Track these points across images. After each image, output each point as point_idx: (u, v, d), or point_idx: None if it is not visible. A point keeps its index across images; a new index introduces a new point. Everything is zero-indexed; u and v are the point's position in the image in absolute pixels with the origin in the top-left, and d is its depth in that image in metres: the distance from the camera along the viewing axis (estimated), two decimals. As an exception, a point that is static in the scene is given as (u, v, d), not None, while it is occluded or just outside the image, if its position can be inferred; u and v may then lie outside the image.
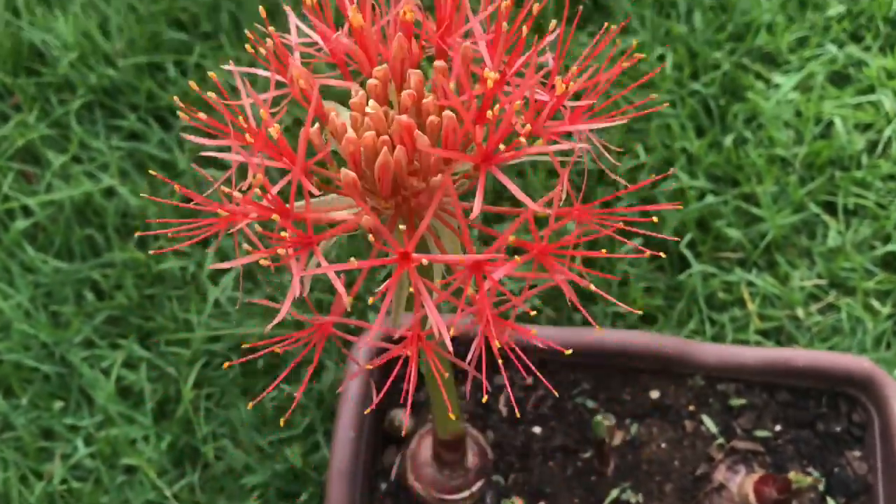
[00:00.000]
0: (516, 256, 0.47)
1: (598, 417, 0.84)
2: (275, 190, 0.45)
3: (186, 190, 0.49)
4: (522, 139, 0.46)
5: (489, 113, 0.46)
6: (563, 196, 0.47)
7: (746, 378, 0.89)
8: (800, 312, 1.02)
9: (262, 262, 0.47)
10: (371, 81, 0.48)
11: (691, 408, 0.89)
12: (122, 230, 1.12)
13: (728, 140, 1.18)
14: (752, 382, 0.90)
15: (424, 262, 0.46)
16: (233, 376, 0.98)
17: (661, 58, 1.29)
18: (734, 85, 1.25)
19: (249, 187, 0.47)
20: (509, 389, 0.90)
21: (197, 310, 1.03)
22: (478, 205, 0.45)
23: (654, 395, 0.90)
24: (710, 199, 1.10)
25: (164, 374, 1.00)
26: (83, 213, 1.12)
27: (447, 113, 0.45)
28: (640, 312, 0.93)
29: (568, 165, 0.47)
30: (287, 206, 0.45)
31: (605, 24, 0.53)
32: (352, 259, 0.44)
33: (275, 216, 0.44)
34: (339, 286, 0.45)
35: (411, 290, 0.46)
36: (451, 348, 0.46)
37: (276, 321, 0.46)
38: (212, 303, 1.04)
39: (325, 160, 0.48)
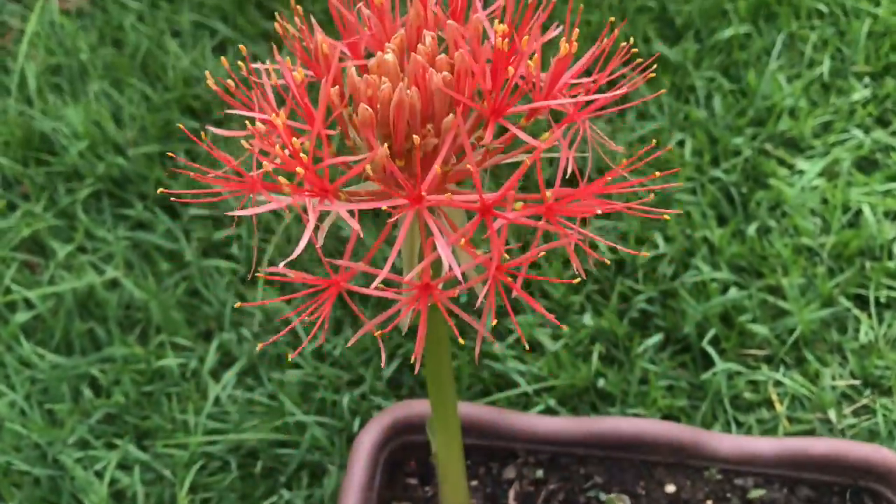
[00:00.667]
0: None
1: (612, 496, 0.82)
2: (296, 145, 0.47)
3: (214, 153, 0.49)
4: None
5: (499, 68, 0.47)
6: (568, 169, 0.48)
7: (764, 470, 0.86)
8: (832, 415, 0.96)
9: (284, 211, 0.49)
10: (389, 46, 0.49)
11: (709, 502, 0.85)
12: (124, 323, 1.09)
13: (751, 229, 1.13)
14: (771, 476, 0.86)
15: (431, 200, 0.45)
16: (230, 481, 0.94)
17: (681, 143, 1.25)
18: (756, 171, 1.21)
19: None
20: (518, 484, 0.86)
21: (196, 409, 0.99)
22: (489, 136, 0.46)
23: (670, 488, 0.86)
24: (733, 292, 1.05)
25: (159, 476, 0.95)
26: (85, 305, 1.09)
27: (459, 53, 0.46)
28: (661, 414, 0.88)
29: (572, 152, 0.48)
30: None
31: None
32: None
33: (297, 168, 0.46)
34: (354, 223, 0.45)
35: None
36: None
37: (293, 255, 0.46)
38: (212, 400, 1.00)
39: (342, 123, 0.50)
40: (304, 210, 0.47)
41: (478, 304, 0.48)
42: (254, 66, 0.55)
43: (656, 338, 1.02)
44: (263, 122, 0.51)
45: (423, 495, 0.86)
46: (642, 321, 1.05)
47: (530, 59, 0.48)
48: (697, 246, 1.12)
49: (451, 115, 0.48)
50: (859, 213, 1.15)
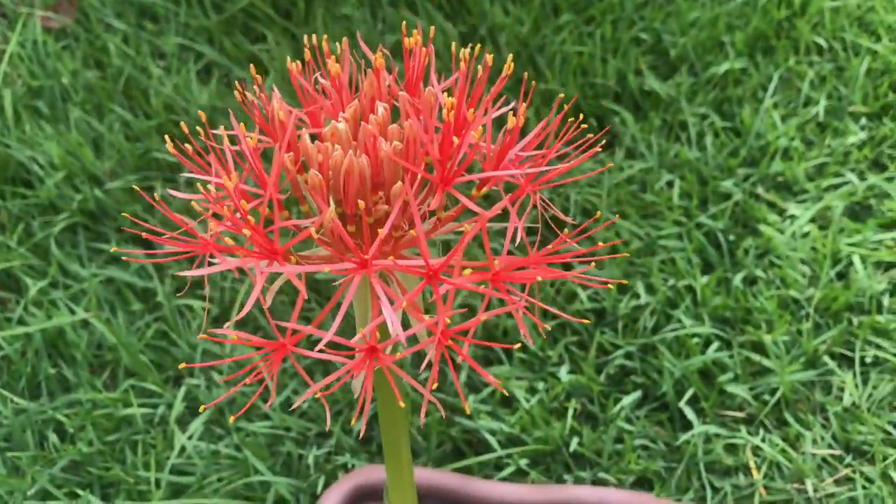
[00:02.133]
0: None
1: None
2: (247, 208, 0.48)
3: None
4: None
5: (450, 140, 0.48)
6: (516, 240, 0.48)
7: None
8: (809, 485, 0.93)
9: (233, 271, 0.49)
10: (342, 115, 0.50)
11: None
12: (94, 363, 1.08)
13: (738, 279, 1.10)
14: None
15: (377, 266, 0.46)
16: (191, 539, 0.92)
17: (670, 184, 1.23)
18: (746, 216, 1.18)
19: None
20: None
21: (159, 461, 0.97)
22: (436, 203, 0.48)
23: None
24: (714, 349, 1.03)
25: (121, 531, 0.94)
26: (55, 345, 1.08)
27: (408, 123, 0.47)
28: (635, 477, 0.86)
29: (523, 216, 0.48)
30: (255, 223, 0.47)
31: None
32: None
33: (245, 230, 0.46)
34: (301, 285, 0.45)
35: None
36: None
37: (234, 320, 0.47)
38: (178, 450, 0.98)
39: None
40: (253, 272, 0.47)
41: (421, 368, 0.48)
42: (213, 131, 0.54)
43: (634, 396, 1.00)
44: (218, 185, 0.51)
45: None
46: (620, 377, 1.03)
47: (482, 130, 0.47)
48: (681, 296, 1.09)
49: (399, 183, 0.47)
50: (850, 263, 1.12)
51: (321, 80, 0.52)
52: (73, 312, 1.09)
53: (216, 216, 0.48)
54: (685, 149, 1.24)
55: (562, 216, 0.49)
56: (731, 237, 1.15)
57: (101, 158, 1.26)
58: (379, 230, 0.47)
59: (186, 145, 0.52)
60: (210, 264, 0.49)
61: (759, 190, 1.21)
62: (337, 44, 0.53)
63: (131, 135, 1.29)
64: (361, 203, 0.46)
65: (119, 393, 1.02)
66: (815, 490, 0.93)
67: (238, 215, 0.47)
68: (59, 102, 1.34)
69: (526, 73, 0.69)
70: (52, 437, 1.00)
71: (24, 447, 0.99)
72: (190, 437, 0.98)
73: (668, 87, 1.31)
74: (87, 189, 1.20)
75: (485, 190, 0.50)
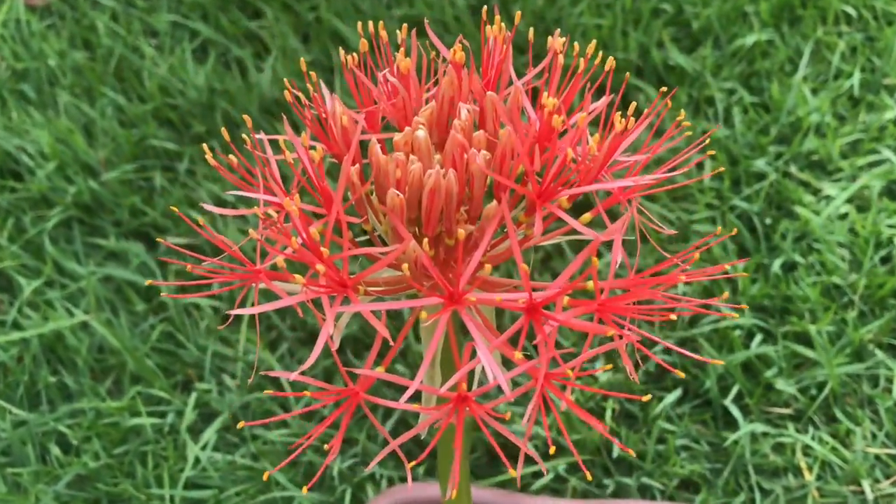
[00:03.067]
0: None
1: None
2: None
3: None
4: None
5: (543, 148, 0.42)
6: (619, 261, 0.42)
7: None
8: (866, 486, 0.88)
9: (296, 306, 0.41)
10: (418, 119, 0.43)
11: None
12: (96, 369, 1.01)
13: (776, 265, 1.04)
14: None
15: (473, 300, 0.39)
16: (210, 559, 0.86)
17: (700, 166, 1.16)
18: (781, 197, 1.12)
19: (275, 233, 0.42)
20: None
21: (172, 474, 0.90)
22: (538, 227, 0.41)
23: None
24: (757, 342, 0.97)
25: (133, 551, 0.88)
26: (53, 350, 1.01)
27: (505, 132, 0.40)
28: (679, 480, 0.81)
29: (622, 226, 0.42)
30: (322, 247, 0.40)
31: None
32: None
33: (307, 259, 0.40)
34: (381, 326, 0.39)
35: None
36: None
37: (306, 365, 0.40)
38: (191, 462, 0.91)
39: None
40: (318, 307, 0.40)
41: (524, 421, 0.41)
42: (258, 136, 0.47)
43: (675, 394, 0.94)
44: (270, 203, 0.43)
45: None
46: (659, 374, 0.97)
47: (582, 138, 0.41)
48: (718, 285, 1.03)
49: (493, 203, 0.40)
50: (893, 246, 1.07)
51: (388, 76, 0.44)
52: (71, 314, 1.02)
53: (269, 241, 0.41)
54: (713, 126, 1.18)
55: (662, 228, 0.42)
56: (767, 220, 1.10)
57: (94, 146, 1.18)
58: (464, 254, 0.41)
59: (230, 157, 0.44)
60: (263, 292, 0.43)
61: (793, 169, 1.15)
62: (397, 31, 0.46)
63: (125, 120, 1.21)
64: (462, 232, 0.39)
65: (125, 401, 0.96)
66: (873, 491, 0.88)
67: (301, 242, 0.40)
68: (47, 86, 1.25)
69: (537, 50, 0.63)
70: (55, 451, 0.93)
71: (25, 462, 0.93)
72: (204, 448, 0.92)
73: (692, 61, 1.24)
74: (81, 180, 1.12)
75: (574, 200, 0.44)
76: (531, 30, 0.46)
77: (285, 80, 0.47)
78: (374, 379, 0.39)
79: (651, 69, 1.24)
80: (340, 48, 0.47)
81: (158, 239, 0.50)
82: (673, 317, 0.41)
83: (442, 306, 0.38)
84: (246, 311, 0.40)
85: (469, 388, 0.40)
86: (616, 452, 0.90)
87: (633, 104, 0.42)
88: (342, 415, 0.40)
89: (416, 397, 0.40)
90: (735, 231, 0.59)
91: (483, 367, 0.39)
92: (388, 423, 0.93)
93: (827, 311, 1.00)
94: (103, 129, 1.19)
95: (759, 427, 0.92)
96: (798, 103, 1.20)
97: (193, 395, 0.96)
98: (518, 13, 0.53)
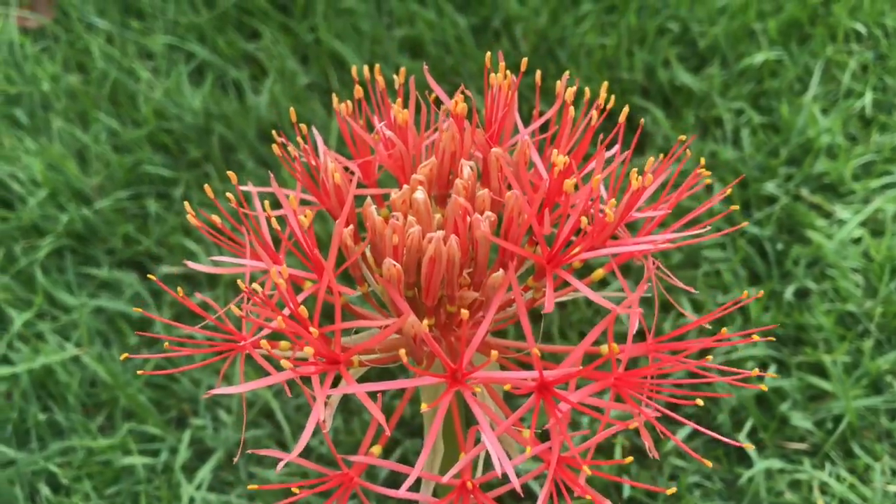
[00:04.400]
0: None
1: None
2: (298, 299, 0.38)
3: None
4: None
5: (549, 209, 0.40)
6: (636, 327, 0.40)
7: None
8: (887, 527, 0.85)
9: (283, 384, 0.40)
10: (416, 177, 0.40)
11: None
12: (87, 403, 0.98)
13: (789, 292, 1.01)
14: None
15: (477, 385, 0.37)
16: None
17: (709, 189, 1.13)
18: (792, 221, 1.09)
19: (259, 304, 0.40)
20: None
21: (166, 517, 0.87)
22: (550, 301, 0.38)
23: None
24: (771, 375, 0.94)
25: None
26: (44, 385, 0.98)
27: (512, 195, 0.38)
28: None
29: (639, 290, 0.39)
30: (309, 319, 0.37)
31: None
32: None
33: (295, 332, 0.37)
34: (376, 410, 0.36)
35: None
36: None
37: (294, 454, 0.38)
38: (186, 503, 0.88)
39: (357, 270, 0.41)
40: (307, 383, 0.38)
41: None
42: (243, 188, 0.44)
43: (686, 430, 0.91)
44: (258, 269, 0.41)
45: None
46: (669, 408, 0.94)
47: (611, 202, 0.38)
48: (730, 315, 1.00)
49: (500, 273, 0.38)
50: (908, 272, 1.04)
51: (382, 128, 0.41)
52: (62, 348, 0.99)
53: (254, 315, 0.38)
54: (722, 148, 1.15)
55: (682, 285, 0.39)
56: (779, 246, 1.06)
57: (87, 173, 1.15)
58: (464, 329, 0.38)
59: (213, 216, 0.41)
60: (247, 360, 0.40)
61: (804, 192, 1.12)
62: (394, 76, 0.43)
63: (120, 145, 1.19)
64: (465, 312, 0.36)
65: (117, 438, 0.93)
66: (893, 532, 0.85)
67: (288, 313, 0.37)
68: (40, 111, 1.23)
69: (541, 70, 0.60)
70: (45, 491, 0.90)
71: (13, 503, 0.89)
72: (198, 487, 0.89)
73: (699, 81, 1.21)
74: (74, 208, 1.10)
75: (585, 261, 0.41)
76: (538, 74, 0.43)
77: (273, 132, 0.45)
78: (365, 465, 0.36)
79: (657, 89, 1.22)
80: (334, 96, 0.44)
81: (150, 276, 0.47)
82: (699, 402, 0.38)
83: (444, 387, 0.35)
84: (230, 391, 0.37)
85: (473, 475, 0.36)
86: (627, 492, 0.86)
87: (650, 160, 0.39)
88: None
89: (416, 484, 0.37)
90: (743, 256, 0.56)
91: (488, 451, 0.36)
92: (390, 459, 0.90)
93: (842, 341, 0.96)
94: (97, 154, 1.16)
95: (775, 463, 0.89)
96: (808, 124, 1.17)
97: (188, 432, 0.92)
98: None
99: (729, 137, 1.18)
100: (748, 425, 0.91)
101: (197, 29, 1.31)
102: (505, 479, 0.35)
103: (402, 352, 0.35)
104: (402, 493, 0.35)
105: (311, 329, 0.35)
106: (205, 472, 0.90)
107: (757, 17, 1.28)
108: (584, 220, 0.37)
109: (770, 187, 1.11)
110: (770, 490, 0.88)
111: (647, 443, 0.37)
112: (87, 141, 1.17)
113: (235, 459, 0.91)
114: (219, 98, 1.22)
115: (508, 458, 0.35)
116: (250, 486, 0.38)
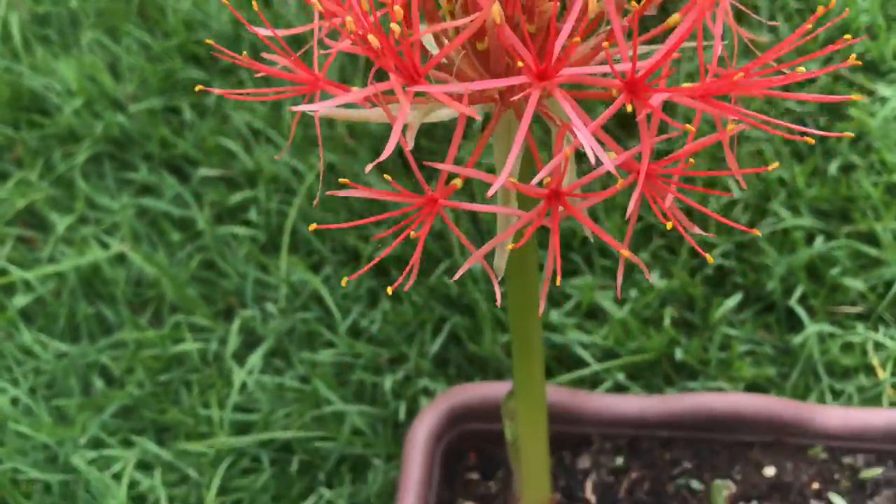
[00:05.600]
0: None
1: (718, 482, 0.74)
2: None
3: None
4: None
5: None
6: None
7: (876, 446, 0.75)
8: (944, 380, 0.84)
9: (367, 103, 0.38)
10: None
11: (815, 486, 0.75)
12: (134, 301, 0.98)
13: (833, 167, 1.00)
14: (885, 452, 0.76)
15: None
16: (263, 480, 0.83)
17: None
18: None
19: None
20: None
21: (220, 399, 0.88)
22: None
23: (770, 471, 0.76)
24: (819, 242, 0.93)
25: (183, 477, 0.85)
26: (91, 284, 0.98)
27: None
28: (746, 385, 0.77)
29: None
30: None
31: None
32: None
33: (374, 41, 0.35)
34: (463, 108, 0.34)
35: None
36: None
37: (383, 156, 0.35)
38: (237, 387, 0.89)
39: None
40: (373, 105, 0.37)
41: (628, 214, 0.37)
42: None
43: (735, 298, 0.90)
44: None
45: (487, 491, 0.76)
46: (718, 279, 0.93)
47: None
48: (773, 189, 0.99)
49: None
50: (955, 143, 1.02)
51: None
52: (106, 247, 1.00)
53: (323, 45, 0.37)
54: (758, 32, 1.13)
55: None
56: (821, 122, 1.05)
57: (120, 82, 1.15)
58: (553, 22, 0.36)
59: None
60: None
61: (843, 71, 1.10)
62: None
63: (151, 56, 1.18)
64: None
65: (167, 330, 0.93)
66: (951, 386, 0.84)
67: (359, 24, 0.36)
68: (70, 28, 1.22)
69: None
70: (98, 383, 0.91)
71: (69, 393, 0.90)
72: (250, 372, 0.89)
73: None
74: (109, 114, 1.10)
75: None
76: None
77: None
78: (454, 186, 0.36)
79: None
80: None
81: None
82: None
83: (530, 85, 0.34)
84: (311, 108, 0.37)
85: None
86: (679, 355, 0.86)
87: None
88: (421, 225, 0.36)
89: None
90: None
91: (571, 163, 0.35)
92: (438, 339, 0.90)
93: (890, 209, 0.95)
94: (129, 65, 1.16)
95: (826, 327, 0.88)
96: (846, 2, 1.15)
97: (237, 322, 0.93)
98: None
99: (765, 25, 1.16)
100: (798, 293, 0.90)
101: (221, -58, 1.30)
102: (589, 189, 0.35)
103: (498, 11, 0.34)
104: (477, 207, 0.35)
105: (393, 26, 0.34)
106: (255, 359, 0.90)
107: None
108: None
109: (809, 67, 1.09)
110: (823, 353, 0.87)
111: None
112: (118, 52, 1.17)
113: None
114: (246, 3, 1.21)
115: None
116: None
